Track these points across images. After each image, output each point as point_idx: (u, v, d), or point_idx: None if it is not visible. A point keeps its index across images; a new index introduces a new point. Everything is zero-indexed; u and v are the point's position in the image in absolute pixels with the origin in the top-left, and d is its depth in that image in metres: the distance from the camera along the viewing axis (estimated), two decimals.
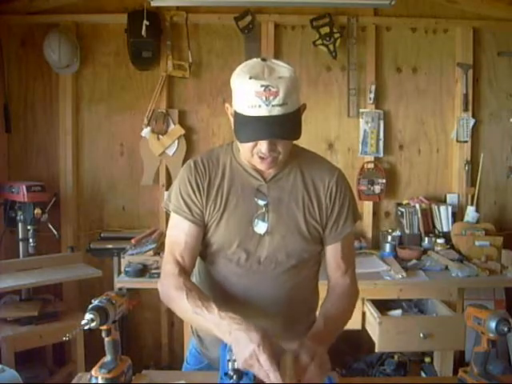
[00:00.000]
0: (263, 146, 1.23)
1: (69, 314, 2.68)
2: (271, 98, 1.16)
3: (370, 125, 3.11)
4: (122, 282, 2.57)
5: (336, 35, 3.00)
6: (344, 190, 1.39)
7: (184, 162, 3.06)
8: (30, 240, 2.71)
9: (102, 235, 3.04)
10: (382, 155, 3.16)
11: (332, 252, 1.40)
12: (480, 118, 3.20)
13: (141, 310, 3.10)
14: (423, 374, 2.66)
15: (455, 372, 1.31)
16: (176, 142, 3.06)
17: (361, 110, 3.12)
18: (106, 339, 1.16)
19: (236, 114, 1.24)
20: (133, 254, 2.69)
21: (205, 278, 1.42)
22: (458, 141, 3.16)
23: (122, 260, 2.69)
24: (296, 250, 1.35)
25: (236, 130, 1.25)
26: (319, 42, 3.01)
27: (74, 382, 1.28)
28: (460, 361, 2.77)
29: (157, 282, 1.37)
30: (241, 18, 3.01)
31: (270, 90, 1.17)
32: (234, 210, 1.33)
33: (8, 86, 3.04)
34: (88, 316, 1.09)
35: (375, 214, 3.18)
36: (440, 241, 2.96)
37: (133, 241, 2.72)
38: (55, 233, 2.80)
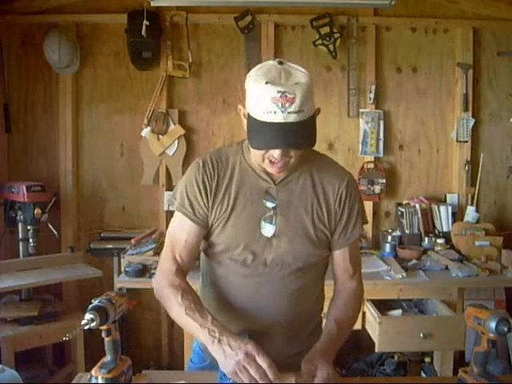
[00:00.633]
0: (276, 152, 1.22)
1: (69, 314, 2.68)
2: (287, 104, 1.14)
3: (369, 125, 3.11)
4: (121, 282, 2.56)
5: (336, 35, 3.00)
6: (354, 195, 1.38)
7: (184, 161, 3.07)
8: (30, 240, 2.71)
9: (101, 235, 3.04)
10: (381, 155, 3.16)
11: (340, 256, 1.40)
12: (480, 117, 3.20)
13: (141, 309, 3.10)
14: (423, 374, 2.66)
15: (455, 372, 1.31)
16: (176, 142, 3.06)
17: (361, 110, 3.12)
18: (106, 339, 1.16)
19: (250, 118, 1.22)
20: (133, 254, 2.69)
21: (210, 278, 1.42)
22: (457, 141, 3.16)
23: (122, 260, 2.69)
24: (303, 254, 1.34)
25: (249, 134, 1.24)
26: (319, 42, 3.01)
27: (74, 382, 1.28)
28: (460, 361, 2.77)
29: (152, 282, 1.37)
30: (241, 17, 3.01)
31: (286, 96, 1.14)
32: (242, 212, 1.32)
33: (8, 86, 3.04)
34: (88, 316, 1.09)
35: (375, 213, 3.18)
36: (440, 241, 2.96)
37: (133, 241, 2.72)
38: (55, 233, 2.80)
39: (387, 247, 2.96)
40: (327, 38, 3.00)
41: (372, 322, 2.38)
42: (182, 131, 3.06)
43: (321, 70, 3.14)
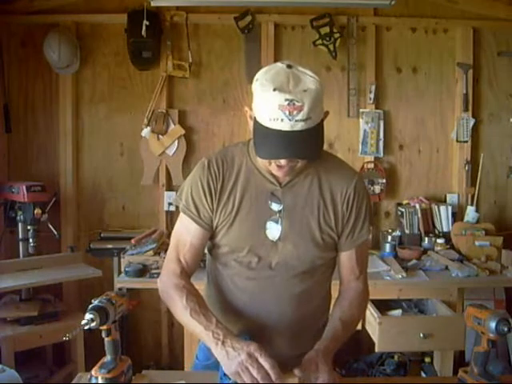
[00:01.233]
0: (282, 159, 1.21)
1: (69, 314, 2.68)
2: (295, 112, 1.12)
3: (369, 125, 3.11)
4: (121, 281, 2.56)
5: (336, 35, 3.00)
6: (361, 198, 1.35)
7: (184, 161, 3.07)
8: (30, 240, 2.71)
9: (102, 235, 3.04)
10: (382, 155, 3.16)
11: (346, 258, 1.38)
12: (480, 118, 3.20)
13: (141, 309, 3.10)
14: (423, 374, 2.66)
15: (455, 372, 1.31)
16: (176, 142, 3.06)
17: (361, 110, 3.12)
18: (106, 339, 1.16)
19: (256, 123, 1.20)
20: (133, 254, 2.69)
21: (215, 278, 1.42)
22: (457, 141, 3.16)
23: (121, 260, 2.69)
24: (308, 257, 1.33)
25: (255, 141, 1.22)
26: (319, 42, 3.01)
27: (74, 382, 1.28)
28: (460, 361, 2.77)
29: (157, 283, 1.37)
30: (241, 17, 3.01)
31: (294, 104, 1.12)
32: (247, 215, 1.30)
33: (8, 86, 3.04)
34: (88, 316, 1.09)
35: (375, 214, 3.18)
36: (440, 241, 2.96)
37: (133, 241, 2.72)
38: (55, 233, 2.80)
39: (387, 247, 2.96)
40: (327, 38, 3.00)
41: (372, 322, 2.38)
42: (182, 131, 3.06)
43: (321, 70, 3.13)
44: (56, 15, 3.01)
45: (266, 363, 1.08)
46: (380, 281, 2.56)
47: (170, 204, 3.08)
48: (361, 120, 3.12)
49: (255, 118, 1.20)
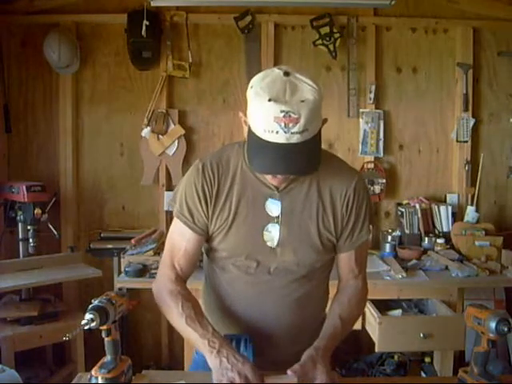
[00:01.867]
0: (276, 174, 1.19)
1: (69, 314, 2.69)
2: (291, 124, 1.07)
3: (369, 125, 3.11)
4: (121, 281, 2.56)
5: (336, 35, 3.00)
6: (361, 198, 1.32)
7: (184, 162, 3.07)
8: (30, 240, 2.71)
9: (101, 235, 3.04)
10: (382, 155, 3.16)
11: (345, 259, 1.37)
12: (480, 117, 3.20)
13: (141, 310, 3.10)
14: (423, 374, 2.66)
15: (455, 372, 1.30)
16: (176, 142, 3.06)
17: (361, 110, 3.12)
18: (106, 339, 1.16)
19: (250, 132, 1.16)
20: (133, 254, 2.69)
21: (213, 281, 1.40)
22: (457, 141, 3.16)
23: (121, 260, 2.69)
24: (307, 262, 1.31)
25: (249, 151, 1.18)
26: (319, 42, 3.01)
27: (74, 382, 1.28)
28: (460, 361, 2.77)
29: (152, 287, 1.36)
30: (241, 17, 3.01)
31: (290, 116, 1.07)
32: (244, 221, 1.27)
33: (8, 86, 3.04)
34: (88, 316, 1.09)
35: (375, 213, 3.17)
36: (440, 241, 2.96)
37: (133, 241, 2.72)
38: (55, 233, 2.80)
39: (387, 247, 2.96)
40: (327, 38, 3.00)
41: (372, 322, 2.38)
42: (182, 131, 3.06)
43: (321, 70, 3.14)
44: (56, 15, 3.01)
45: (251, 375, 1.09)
46: (380, 281, 2.55)
47: (169, 206, 3.07)
48: (361, 120, 3.12)
49: (250, 128, 1.17)
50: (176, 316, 1.25)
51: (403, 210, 3.05)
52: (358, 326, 2.47)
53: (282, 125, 1.08)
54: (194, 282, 1.36)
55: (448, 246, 2.95)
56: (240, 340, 1.30)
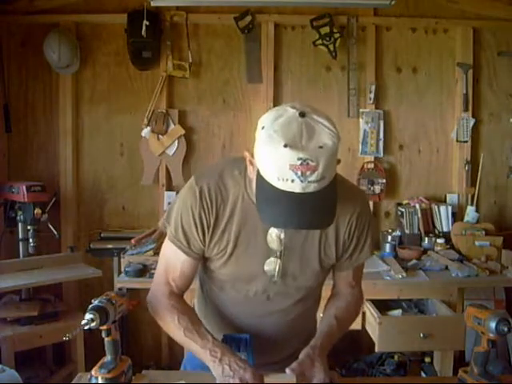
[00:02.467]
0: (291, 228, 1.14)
1: (69, 314, 2.68)
2: (308, 173, 0.97)
3: (369, 125, 3.11)
4: (121, 282, 2.56)
5: (336, 35, 3.00)
6: (364, 223, 1.28)
7: (184, 162, 3.07)
8: (30, 240, 2.71)
9: (101, 235, 3.04)
10: (382, 155, 3.16)
11: (343, 275, 1.37)
12: (480, 117, 3.20)
13: (141, 310, 3.06)
14: (423, 374, 2.66)
15: (455, 372, 1.31)
16: (176, 142, 3.06)
17: (361, 110, 3.12)
18: (106, 339, 1.16)
19: (260, 178, 1.05)
20: (133, 254, 2.69)
21: (210, 297, 1.39)
22: (457, 141, 3.16)
23: (121, 260, 2.69)
24: (307, 285, 1.31)
25: (259, 200, 1.07)
26: (319, 42, 3.01)
27: (74, 382, 1.28)
28: (460, 361, 2.77)
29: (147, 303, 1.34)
30: (241, 17, 3.01)
31: (308, 164, 0.97)
32: (244, 252, 1.23)
33: (8, 86, 3.04)
34: (88, 316, 1.09)
35: (375, 214, 3.17)
36: (440, 241, 2.96)
37: (133, 241, 2.71)
38: (55, 233, 2.80)
39: (387, 247, 2.96)
40: (327, 38, 3.00)
41: (372, 322, 2.38)
42: (182, 131, 3.06)
43: (321, 69, 3.14)
44: (56, 15, 3.01)
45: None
46: (380, 281, 2.55)
47: (170, 204, 3.07)
48: (361, 120, 3.12)
49: (258, 170, 1.06)
50: (174, 329, 1.24)
51: (403, 209, 3.05)
52: (357, 326, 2.47)
53: (299, 173, 0.98)
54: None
55: (448, 246, 2.95)
56: (240, 340, 1.30)
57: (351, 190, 1.31)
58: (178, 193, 1.34)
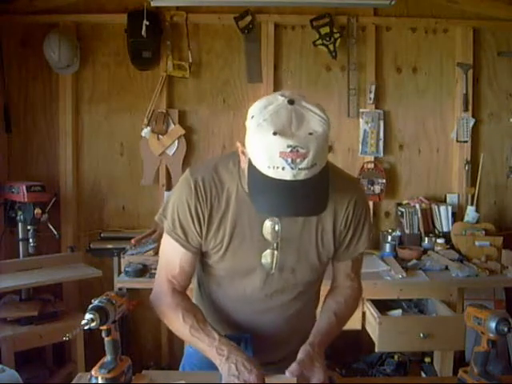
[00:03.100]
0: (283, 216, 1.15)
1: (69, 314, 2.68)
2: (298, 160, 0.98)
3: (369, 125, 3.11)
4: (121, 281, 2.57)
5: (336, 35, 3.00)
6: (361, 212, 1.27)
7: (184, 162, 3.07)
8: (30, 240, 2.71)
9: (101, 235, 3.04)
10: (382, 155, 3.16)
11: (342, 266, 1.36)
12: (480, 118, 3.20)
13: (141, 310, 3.08)
14: (423, 374, 2.66)
15: (455, 372, 1.31)
16: (176, 142, 3.06)
17: (361, 110, 3.12)
18: (106, 339, 1.16)
19: (251, 167, 1.06)
20: (133, 254, 2.69)
21: (208, 292, 1.39)
22: (457, 141, 3.16)
23: (121, 260, 2.69)
24: (305, 279, 1.30)
25: (251, 189, 1.09)
26: (319, 42, 3.01)
27: (74, 382, 1.28)
28: (460, 361, 2.77)
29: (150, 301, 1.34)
30: (241, 17, 3.01)
31: (298, 151, 0.97)
32: (240, 245, 1.22)
33: (8, 86, 3.04)
34: (88, 316, 1.09)
35: (375, 214, 3.17)
36: (440, 241, 2.96)
37: (133, 241, 2.71)
38: (55, 233, 2.80)
39: (387, 247, 2.96)
40: (327, 38, 3.00)
41: (372, 322, 2.38)
42: (182, 131, 3.06)
43: (321, 69, 3.14)
44: (56, 15, 3.01)
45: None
46: (380, 281, 2.56)
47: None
48: (361, 120, 3.12)
49: (250, 160, 1.07)
50: (179, 328, 1.24)
51: (403, 209, 3.05)
52: (358, 325, 2.48)
53: (289, 160, 0.98)
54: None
55: (448, 246, 2.95)
56: (240, 340, 1.30)
57: (347, 180, 1.31)
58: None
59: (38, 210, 2.67)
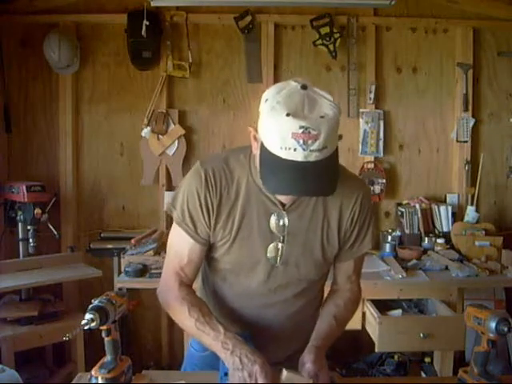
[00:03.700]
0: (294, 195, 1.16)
1: (69, 314, 2.68)
2: (310, 141, 1.00)
3: (369, 125, 3.11)
4: (121, 281, 2.56)
5: (336, 35, 3.00)
6: (366, 212, 1.30)
7: (184, 162, 3.07)
8: (30, 240, 2.71)
9: (101, 235, 3.04)
10: (382, 155, 3.16)
11: (344, 266, 1.37)
12: (480, 118, 3.20)
13: (141, 310, 3.09)
14: (423, 374, 2.66)
15: (455, 372, 1.31)
16: (176, 142, 3.06)
17: (361, 110, 3.12)
18: (106, 339, 1.16)
19: (264, 149, 1.08)
20: (133, 254, 2.69)
21: (213, 288, 1.39)
22: (457, 141, 3.16)
23: (121, 260, 2.69)
24: (309, 276, 1.31)
25: (262, 170, 1.11)
26: (319, 42, 3.01)
27: (74, 382, 1.28)
28: (460, 361, 2.77)
29: (157, 282, 1.36)
30: (241, 18, 3.01)
31: (310, 132, 1.00)
32: (248, 237, 1.24)
33: (8, 86, 3.04)
34: (88, 316, 1.09)
35: (375, 214, 3.17)
36: (440, 241, 2.96)
37: (133, 241, 2.71)
38: (55, 233, 2.80)
39: (387, 247, 2.96)
40: (327, 38, 3.00)
41: (372, 322, 2.38)
42: (182, 131, 3.06)
43: (321, 69, 3.14)
44: (56, 15, 3.01)
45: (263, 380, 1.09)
46: (380, 281, 2.56)
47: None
48: (361, 120, 3.12)
49: (263, 144, 1.09)
50: (185, 321, 1.24)
51: (403, 209, 3.05)
52: (358, 326, 2.48)
53: (301, 141, 1.01)
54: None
55: (448, 246, 2.95)
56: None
57: (354, 180, 1.34)
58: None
59: (38, 210, 2.67)
